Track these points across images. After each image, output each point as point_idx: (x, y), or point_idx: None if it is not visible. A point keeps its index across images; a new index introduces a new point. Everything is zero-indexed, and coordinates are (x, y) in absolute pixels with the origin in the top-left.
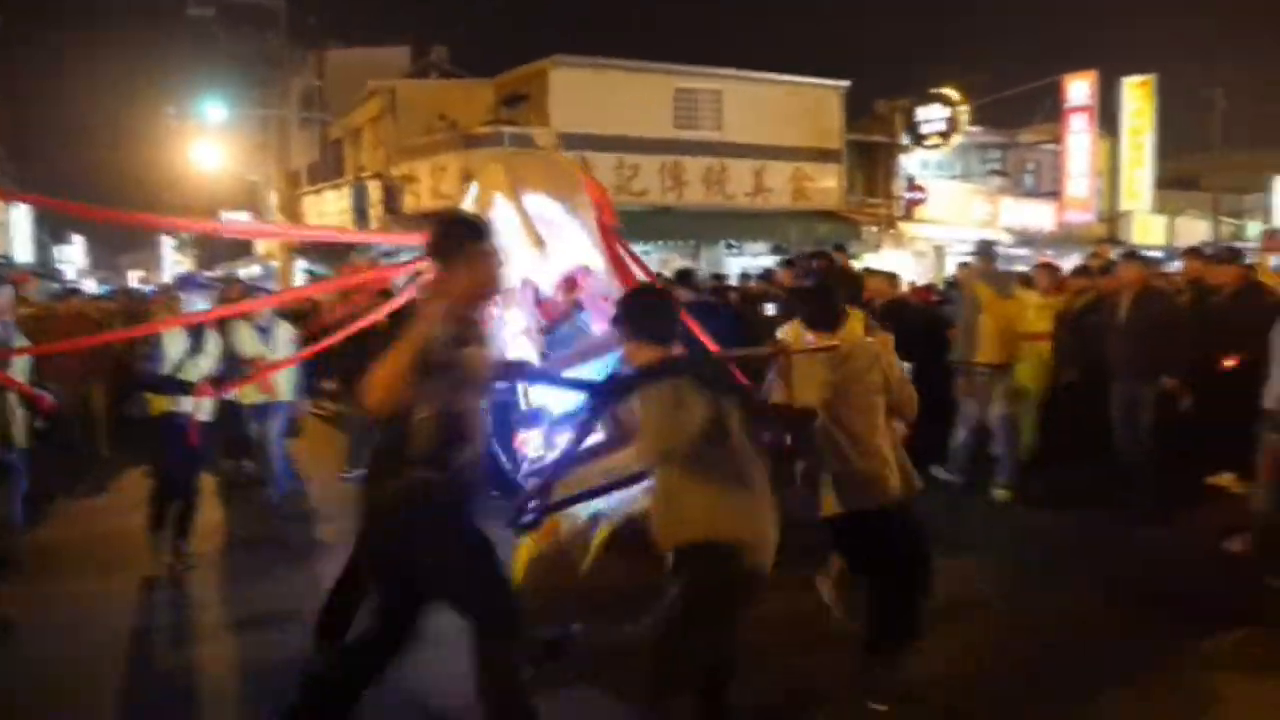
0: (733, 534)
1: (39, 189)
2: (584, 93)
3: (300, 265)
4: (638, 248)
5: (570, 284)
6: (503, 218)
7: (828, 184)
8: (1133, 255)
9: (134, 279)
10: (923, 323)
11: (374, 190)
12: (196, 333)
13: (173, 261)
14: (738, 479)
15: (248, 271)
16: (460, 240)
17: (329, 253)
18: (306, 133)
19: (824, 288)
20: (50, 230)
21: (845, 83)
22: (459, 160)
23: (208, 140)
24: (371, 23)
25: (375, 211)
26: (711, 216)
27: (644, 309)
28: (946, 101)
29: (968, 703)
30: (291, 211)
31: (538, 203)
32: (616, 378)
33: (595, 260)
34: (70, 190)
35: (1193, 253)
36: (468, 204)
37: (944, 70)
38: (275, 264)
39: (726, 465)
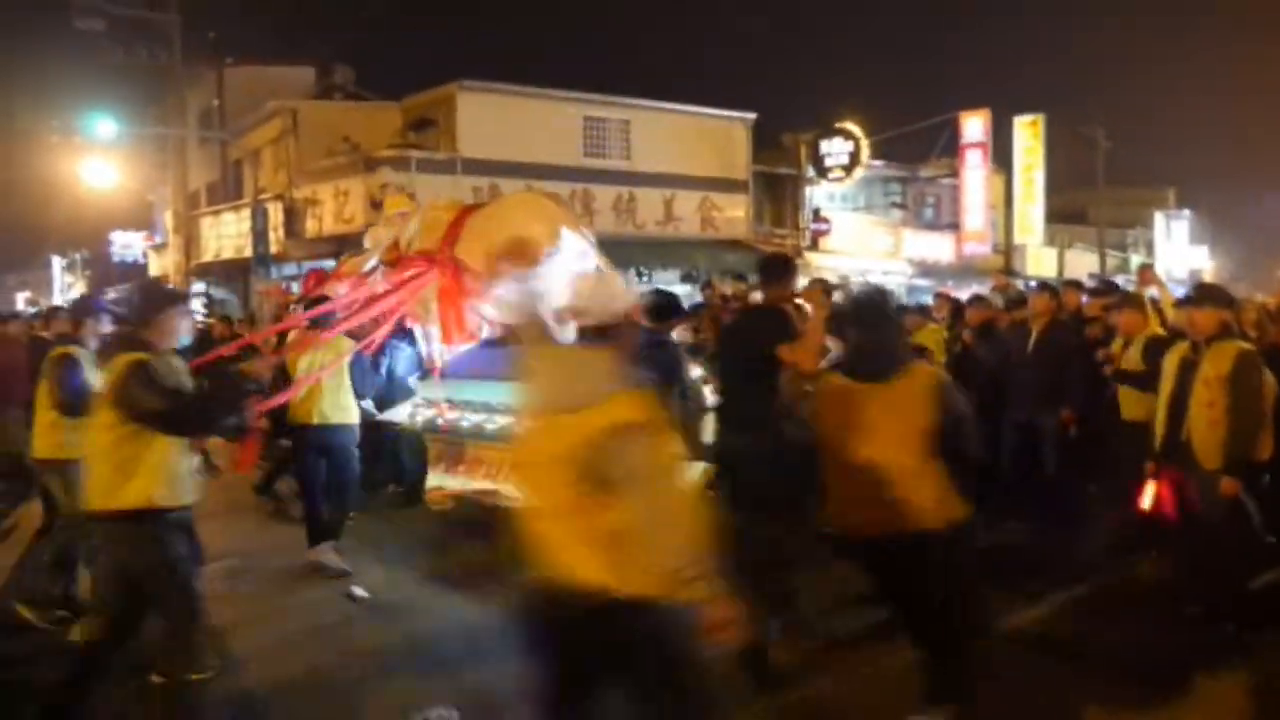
0: None
1: None
2: (492, 118)
3: (197, 287)
4: None
5: None
6: (572, 248)
7: (735, 214)
8: (1044, 287)
9: (21, 300)
10: None
11: (274, 213)
12: None
13: (64, 283)
14: None
15: None
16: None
17: (227, 275)
18: (205, 152)
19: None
20: None
21: (751, 115)
22: (362, 183)
23: (98, 158)
24: (275, 41)
25: (276, 235)
26: (621, 245)
27: None
28: (849, 135)
29: None
30: (188, 233)
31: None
32: None
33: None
34: None
35: (1072, 285)
36: (409, 231)
37: (847, 105)
38: (171, 286)
39: None
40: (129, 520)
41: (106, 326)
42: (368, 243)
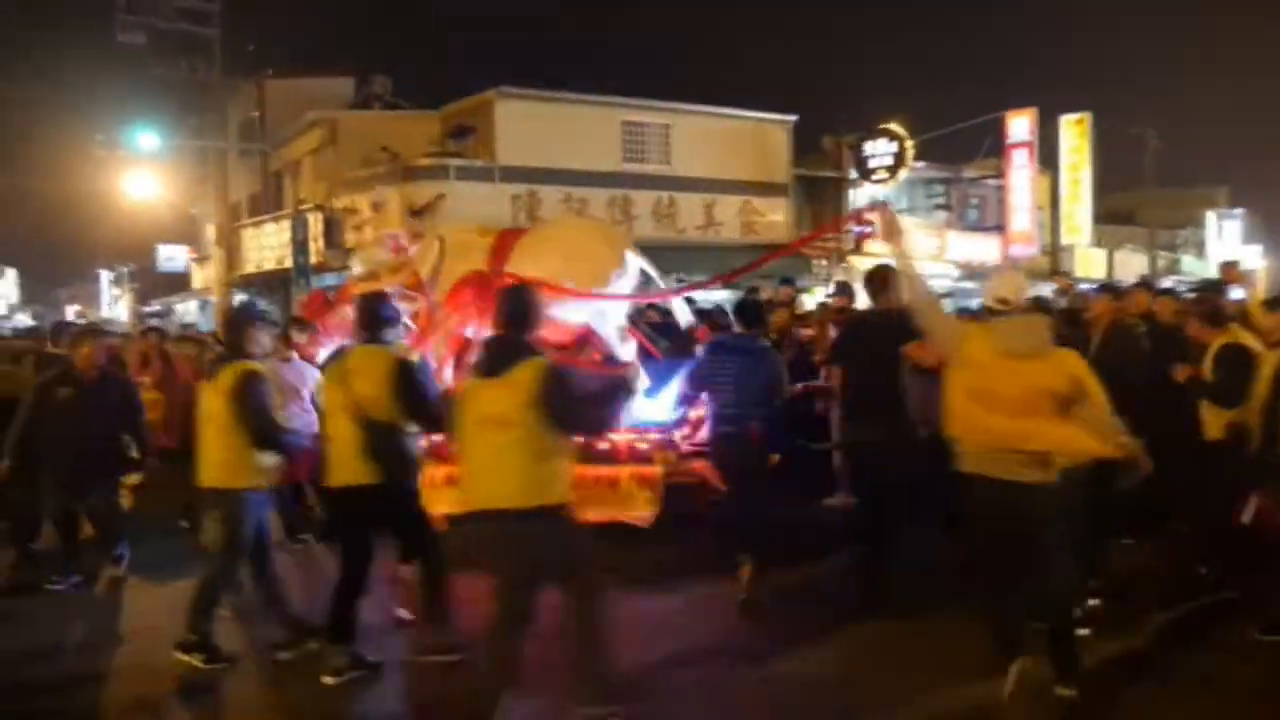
0: None
1: None
2: (530, 125)
3: (240, 300)
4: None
5: None
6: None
7: (776, 218)
8: (1106, 287)
9: (71, 313)
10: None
11: (314, 223)
12: None
13: (111, 296)
14: None
15: (184, 306)
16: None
17: (268, 286)
18: (246, 164)
19: None
20: None
21: (792, 117)
22: (401, 193)
23: (141, 171)
24: (313, 52)
25: (316, 245)
26: (661, 250)
27: None
28: (893, 136)
29: None
30: (230, 245)
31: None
32: None
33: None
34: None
35: (1141, 286)
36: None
37: (889, 105)
38: (213, 298)
39: None
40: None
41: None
42: (359, 264)
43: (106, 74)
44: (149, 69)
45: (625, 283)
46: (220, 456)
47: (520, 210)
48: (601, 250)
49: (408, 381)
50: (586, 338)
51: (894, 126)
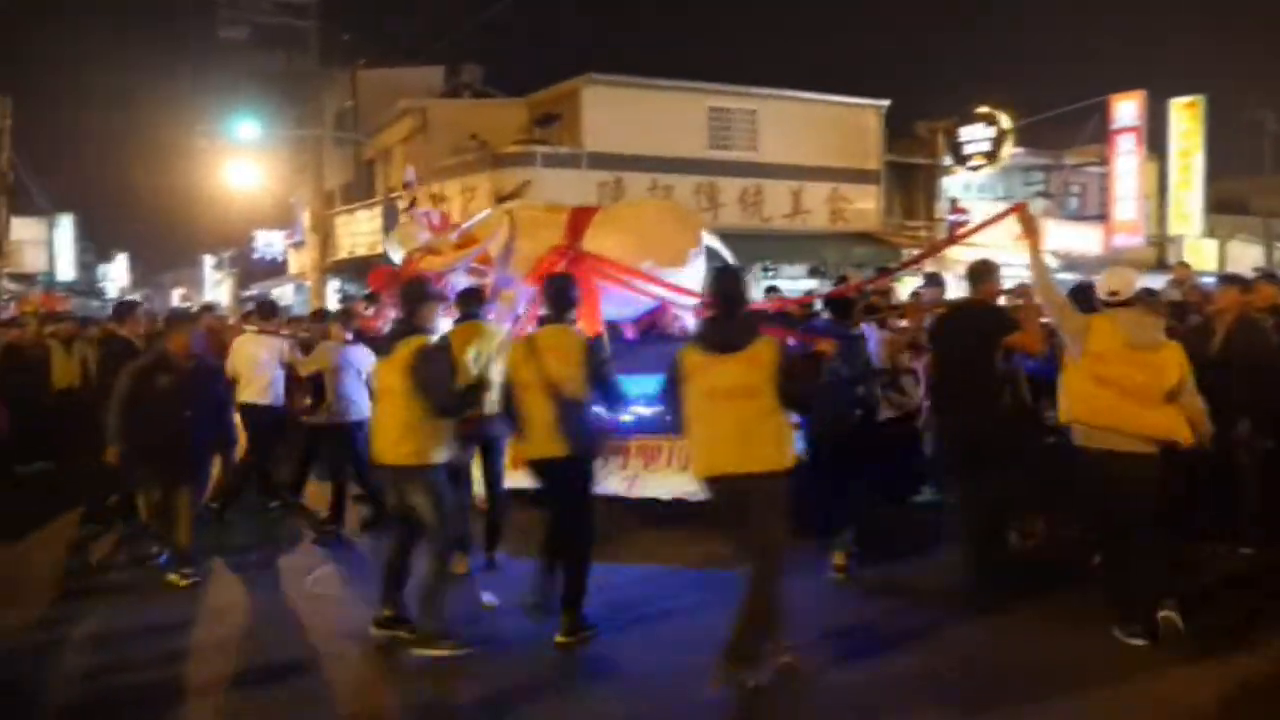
0: None
1: (77, 207)
2: (617, 112)
3: (334, 285)
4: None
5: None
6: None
7: (866, 205)
8: (1232, 279)
9: (176, 296)
10: None
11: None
12: None
13: (213, 280)
14: None
15: (280, 291)
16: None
17: (360, 271)
18: (341, 153)
19: None
20: (95, 248)
21: (884, 102)
22: (489, 180)
23: (242, 160)
24: (406, 42)
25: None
26: (747, 238)
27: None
28: (991, 121)
29: None
30: (324, 231)
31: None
32: None
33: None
34: (109, 208)
35: (1269, 276)
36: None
37: (987, 90)
38: (308, 283)
39: None
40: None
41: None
42: (395, 241)
43: (208, 68)
44: (249, 62)
45: (701, 262)
46: (399, 434)
47: (606, 197)
48: (678, 230)
49: (596, 360)
50: (659, 314)
51: (992, 110)
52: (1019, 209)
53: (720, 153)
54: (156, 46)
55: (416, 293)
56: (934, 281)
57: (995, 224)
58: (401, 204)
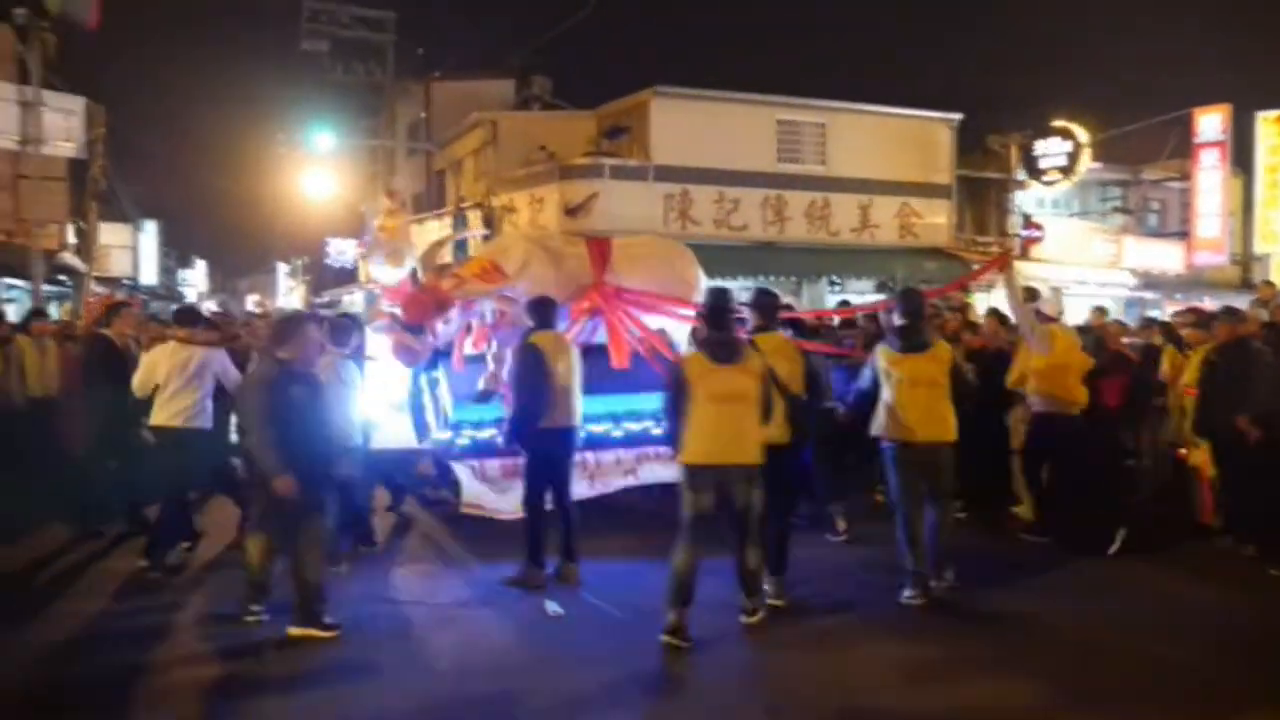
0: None
1: (161, 214)
2: (684, 124)
3: None
4: (737, 284)
5: None
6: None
7: (937, 220)
8: None
9: (250, 302)
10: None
11: (473, 220)
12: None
13: (286, 287)
14: None
15: (351, 299)
16: None
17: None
18: (412, 163)
19: None
20: (176, 254)
21: (957, 115)
22: (557, 191)
23: (318, 169)
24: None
25: (474, 242)
26: (814, 253)
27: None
28: (1067, 135)
29: None
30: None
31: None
32: None
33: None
34: (190, 215)
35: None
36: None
37: (1062, 102)
38: (379, 291)
39: None
40: None
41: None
42: (381, 254)
43: (289, 80)
44: (328, 74)
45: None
46: (756, 436)
47: (672, 210)
48: (687, 264)
49: (809, 362)
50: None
51: (1068, 124)
52: (1003, 261)
53: (788, 166)
54: (241, 60)
55: (766, 300)
56: (1030, 296)
57: (980, 277)
58: (381, 219)
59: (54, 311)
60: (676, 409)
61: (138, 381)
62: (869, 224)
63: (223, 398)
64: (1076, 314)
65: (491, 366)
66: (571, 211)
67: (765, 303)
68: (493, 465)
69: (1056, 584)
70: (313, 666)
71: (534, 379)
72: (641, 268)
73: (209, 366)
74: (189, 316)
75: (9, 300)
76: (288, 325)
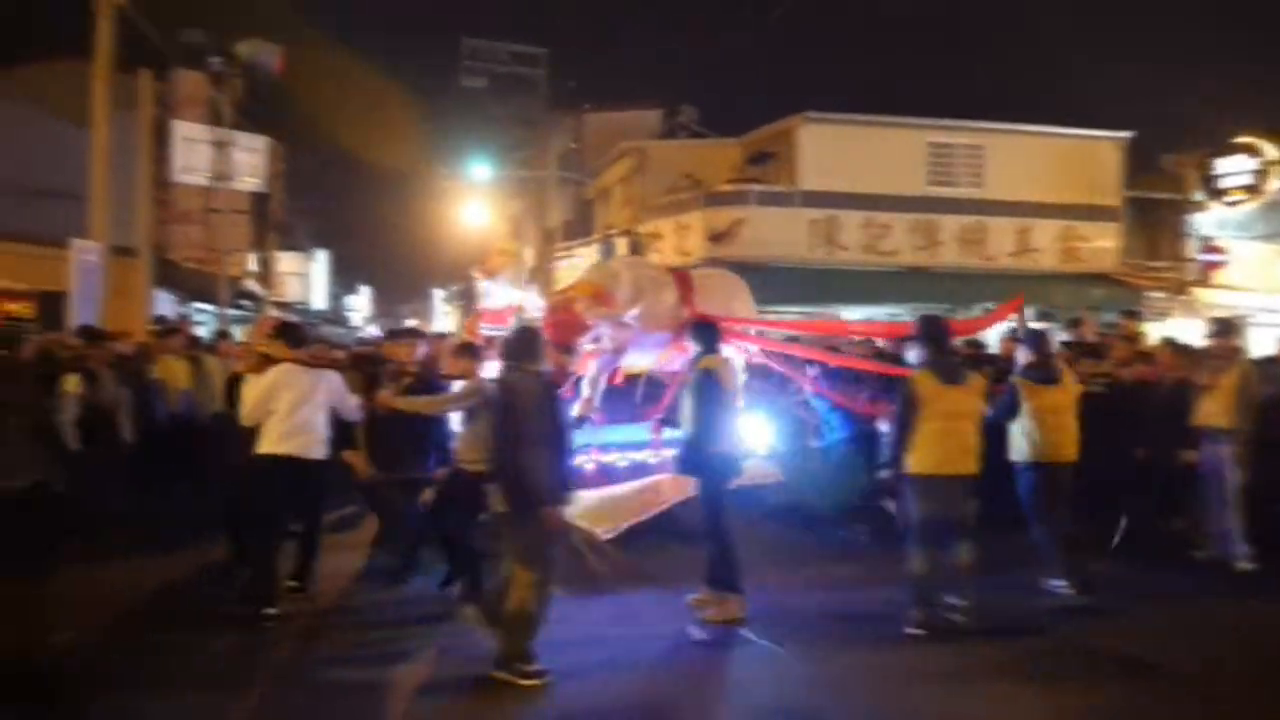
0: None
1: (330, 243)
2: (833, 149)
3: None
4: (885, 310)
5: None
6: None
7: (1103, 244)
8: None
9: (406, 323)
10: None
11: (620, 248)
12: None
13: (442, 312)
14: None
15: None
16: None
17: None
18: (562, 193)
19: None
20: (342, 281)
21: (1126, 134)
22: (701, 218)
23: (474, 199)
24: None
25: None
26: (968, 278)
27: None
28: (1253, 152)
29: None
30: (544, 267)
31: None
32: None
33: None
34: (356, 243)
35: None
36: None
37: (1243, 117)
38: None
39: None
40: None
41: None
42: (508, 279)
43: (449, 115)
44: (484, 109)
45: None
46: (974, 450)
47: (819, 235)
48: (748, 297)
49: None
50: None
51: (1254, 140)
52: (1017, 304)
53: (940, 189)
54: (405, 98)
55: (936, 328)
56: (1224, 329)
57: (998, 320)
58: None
59: (236, 333)
60: (907, 424)
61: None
62: (1028, 248)
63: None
64: (1264, 345)
65: (587, 393)
66: (716, 238)
67: (937, 331)
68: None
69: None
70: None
71: (711, 405)
72: (712, 299)
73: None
74: (296, 334)
75: (199, 323)
76: (528, 336)
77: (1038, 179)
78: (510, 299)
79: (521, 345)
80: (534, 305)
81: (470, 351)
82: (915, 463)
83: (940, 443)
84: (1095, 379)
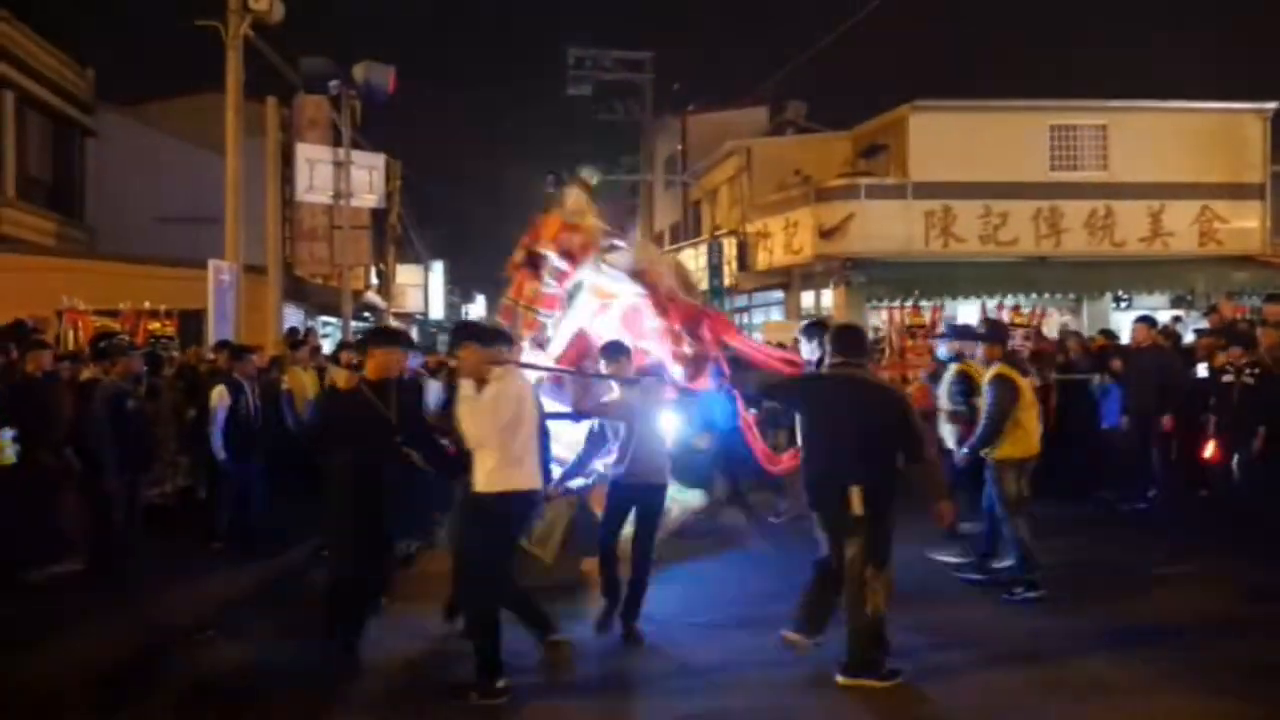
0: None
1: (447, 254)
2: (946, 138)
3: None
4: (1008, 301)
5: None
6: None
7: (1246, 224)
8: None
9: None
10: None
11: (729, 247)
12: None
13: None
14: None
15: None
16: None
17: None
18: (669, 195)
19: None
20: (459, 290)
21: (1271, 105)
22: (811, 214)
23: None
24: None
25: (730, 268)
26: (1095, 266)
27: None
28: None
29: None
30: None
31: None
32: None
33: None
34: (473, 253)
35: None
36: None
37: None
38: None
39: None
40: None
41: None
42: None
43: (557, 123)
44: (591, 115)
45: None
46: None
47: (933, 228)
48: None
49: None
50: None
51: None
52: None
53: (1064, 174)
54: (513, 108)
55: (1003, 328)
56: None
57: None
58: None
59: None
60: (1008, 413)
61: None
62: (1161, 232)
63: None
64: None
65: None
66: (827, 234)
67: (998, 329)
68: None
69: None
70: (567, 677)
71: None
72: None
73: None
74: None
75: (325, 335)
76: (858, 332)
77: (1169, 158)
78: (609, 287)
79: (855, 340)
80: (632, 295)
81: (622, 352)
82: (1011, 448)
83: (1033, 429)
84: (1245, 369)
